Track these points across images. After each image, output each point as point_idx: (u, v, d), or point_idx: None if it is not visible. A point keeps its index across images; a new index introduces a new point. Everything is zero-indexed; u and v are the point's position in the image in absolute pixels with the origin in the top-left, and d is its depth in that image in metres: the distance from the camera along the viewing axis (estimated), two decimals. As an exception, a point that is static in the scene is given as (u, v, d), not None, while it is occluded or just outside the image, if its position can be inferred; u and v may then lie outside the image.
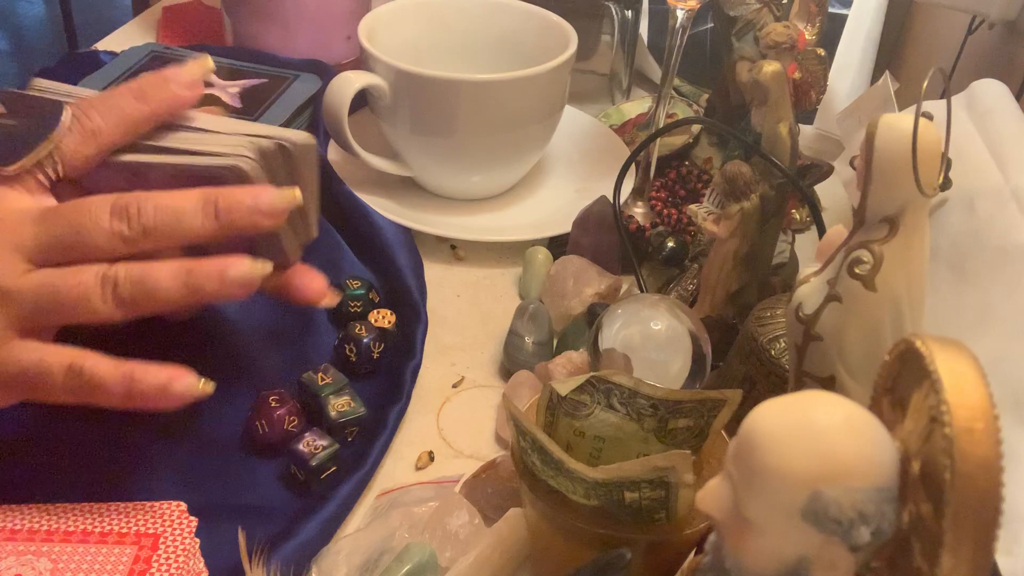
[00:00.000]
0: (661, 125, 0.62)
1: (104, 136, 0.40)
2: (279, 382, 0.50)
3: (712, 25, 0.77)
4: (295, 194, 0.41)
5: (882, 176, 0.32)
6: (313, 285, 0.46)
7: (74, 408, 0.47)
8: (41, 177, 0.40)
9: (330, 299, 0.47)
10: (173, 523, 0.39)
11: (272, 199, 0.40)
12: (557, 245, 0.62)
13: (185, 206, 0.39)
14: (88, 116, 0.40)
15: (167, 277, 0.39)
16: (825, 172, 0.64)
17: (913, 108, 0.32)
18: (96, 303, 0.38)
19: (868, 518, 0.23)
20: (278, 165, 0.43)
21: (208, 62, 0.44)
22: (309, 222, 0.46)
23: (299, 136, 0.44)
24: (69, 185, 0.41)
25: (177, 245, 0.40)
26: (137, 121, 0.41)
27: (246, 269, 0.40)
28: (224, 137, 0.43)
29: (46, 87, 0.44)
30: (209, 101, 0.66)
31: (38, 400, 0.39)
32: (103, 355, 0.38)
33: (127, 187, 0.40)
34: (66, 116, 0.40)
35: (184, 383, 0.38)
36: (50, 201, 0.40)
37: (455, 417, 0.51)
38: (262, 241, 0.43)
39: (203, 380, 0.39)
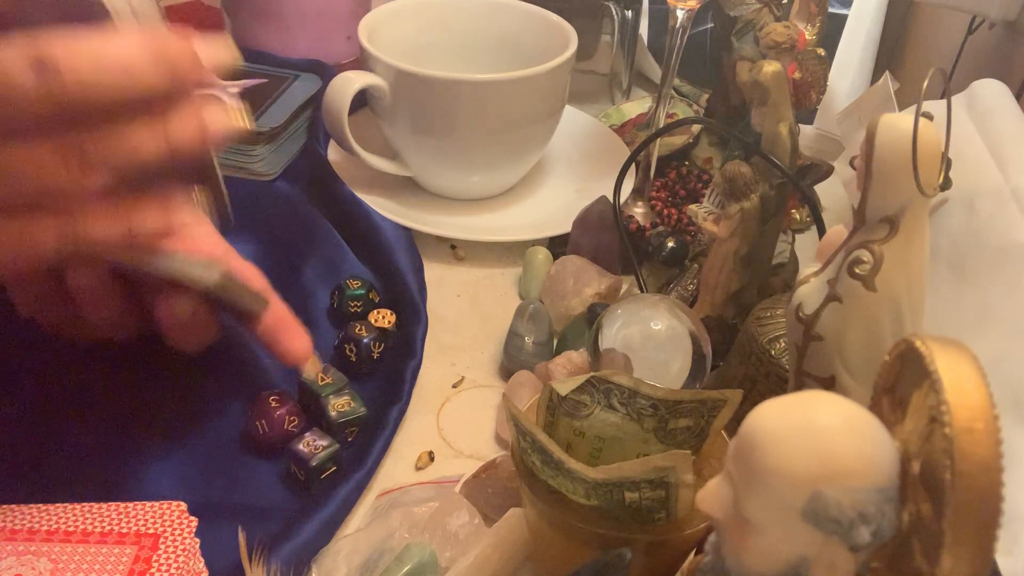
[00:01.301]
0: (661, 125, 0.62)
1: None
2: (279, 382, 0.50)
3: (712, 25, 0.77)
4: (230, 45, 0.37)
5: (882, 176, 0.32)
6: (294, 346, 0.44)
7: (74, 407, 0.47)
8: None
9: (311, 367, 0.46)
10: (173, 523, 0.39)
11: (212, 47, 0.36)
12: (557, 245, 0.62)
13: (131, 53, 0.32)
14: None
15: (142, 132, 0.33)
16: (825, 172, 0.64)
17: (913, 108, 0.32)
18: (60, 172, 0.33)
19: (868, 518, 0.23)
20: None
21: (235, 54, 0.38)
22: (224, 207, 0.46)
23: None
24: None
25: (120, 107, 0.33)
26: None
27: (228, 110, 0.36)
28: None
29: None
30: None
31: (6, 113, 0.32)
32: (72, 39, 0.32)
33: None
34: None
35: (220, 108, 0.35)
36: None
37: (455, 417, 0.51)
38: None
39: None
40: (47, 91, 0.31)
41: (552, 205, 0.67)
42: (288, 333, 0.45)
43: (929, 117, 0.32)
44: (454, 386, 0.53)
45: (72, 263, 0.41)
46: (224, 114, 0.36)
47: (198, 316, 0.44)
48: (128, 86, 0.32)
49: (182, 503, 0.40)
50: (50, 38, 0.31)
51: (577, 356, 0.51)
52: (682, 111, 0.75)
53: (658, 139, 0.62)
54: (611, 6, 0.79)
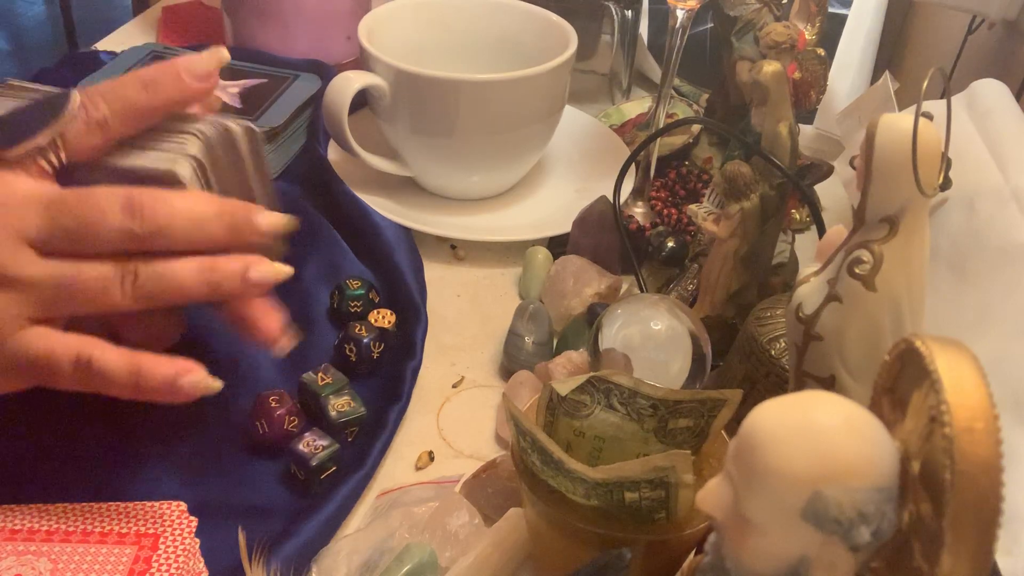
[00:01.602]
0: (661, 125, 0.62)
1: (110, 126, 0.40)
2: (279, 382, 0.50)
3: (712, 25, 0.77)
4: (291, 220, 0.42)
5: (882, 176, 0.32)
6: (268, 323, 0.43)
7: (74, 408, 0.47)
8: (43, 163, 0.39)
9: (287, 342, 0.44)
10: (173, 523, 0.39)
11: (270, 219, 0.41)
12: (557, 245, 0.62)
13: (203, 213, 0.39)
14: (95, 105, 0.40)
15: (188, 273, 0.39)
16: (825, 172, 0.64)
17: (913, 108, 0.32)
18: (115, 294, 0.38)
19: (868, 518, 0.23)
20: (217, 151, 0.42)
21: (223, 53, 0.43)
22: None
23: (238, 126, 0.43)
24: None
25: (186, 250, 0.39)
26: (145, 113, 0.41)
27: (267, 270, 0.40)
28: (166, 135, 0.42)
29: (18, 86, 0.43)
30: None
31: (46, 386, 0.39)
32: (112, 346, 0.38)
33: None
34: (73, 103, 0.39)
35: (191, 378, 0.38)
36: (53, 188, 0.40)
37: (455, 417, 0.51)
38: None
39: (211, 376, 0.39)
40: (128, 228, 0.38)
41: (552, 205, 0.67)
42: (260, 310, 0.43)
43: (929, 117, 0.32)
44: (454, 386, 0.53)
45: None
46: (267, 265, 0.40)
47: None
48: (193, 235, 0.39)
49: (182, 503, 0.41)
50: (140, 189, 0.38)
51: (577, 356, 0.51)
52: (682, 111, 0.75)
53: (658, 139, 0.62)
54: (611, 6, 0.79)
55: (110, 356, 0.38)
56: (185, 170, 0.41)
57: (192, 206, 0.39)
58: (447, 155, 0.64)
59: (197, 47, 0.77)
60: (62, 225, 0.37)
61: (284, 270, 0.41)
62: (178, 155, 0.41)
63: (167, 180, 0.40)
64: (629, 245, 0.59)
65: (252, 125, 0.44)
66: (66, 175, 0.40)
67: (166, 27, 0.87)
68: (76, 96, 0.39)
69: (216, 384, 0.39)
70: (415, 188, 0.67)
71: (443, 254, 0.64)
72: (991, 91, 0.58)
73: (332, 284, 0.57)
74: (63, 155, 0.40)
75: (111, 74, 0.70)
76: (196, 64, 0.42)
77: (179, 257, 0.39)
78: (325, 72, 0.72)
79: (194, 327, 0.51)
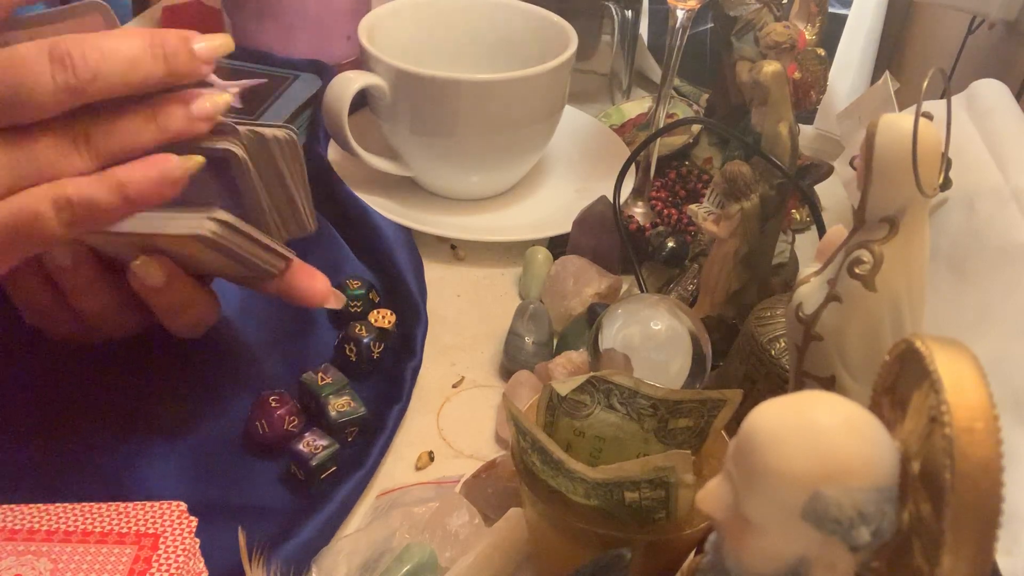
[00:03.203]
0: (661, 125, 0.62)
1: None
2: (279, 382, 0.50)
3: (712, 25, 0.77)
4: (227, 40, 0.40)
5: (882, 176, 0.32)
6: (316, 286, 0.46)
7: (74, 407, 0.47)
8: None
9: (335, 300, 0.47)
10: (173, 523, 0.39)
11: (209, 43, 0.40)
12: (557, 245, 0.62)
13: (133, 48, 0.37)
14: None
15: (137, 120, 0.38)
16: (825, 172, 0.64)
17: (913, 108, 0.32)
18: (74, 159, 0.37)
19: (868, 518, 0.23)
20: (255, 153, 0.42)
21: (230, 43, 0.41)
22: (301, 217, 0.46)
23: (278, 130, 0.43)
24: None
25: (125, 92, 0.37)
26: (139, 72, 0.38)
27: (210, 101, 0.39)
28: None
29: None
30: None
31: (44, 250, 0.38)
32: (80, 177, 0.37)
33: None
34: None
35: (171, 164, 0.38)
36: None
37: (455, 417, 0.51)
38: (247, 253, 0.43)
39: (189, 157, 0.38)
40: (63, 80, 0.35)
41: (552, 205, 0.67)
42: (305, 274, 0.46)
43: (929, 117, 0.32)
44: (454, 386, 0.53)
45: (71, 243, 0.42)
46: (208, 97, 0.39)
47: (175, 283, 0.44)
48: (131, 75, 0.37)
49: (182, 503, 0.40)
50: (63, 38, 0.36)
51: (577, 356, 0.51)
52: (682, 111, 0.75)
53: (658, 139, 0.62)
54: (611, 6, 0.79)
55: (84, 184, 0.37)
56: (240, 150, 0.40)
57: (121, 43, 0.37)
58: (447, 155, 0.64)
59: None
60: None
61: (224, 97, 0.39)
62: (203, 218, 0.41)
63: (230, 159, 0.40)
64: (629, 245, 0.59)
65: (290, 131, 0.43)
66: None
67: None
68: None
69: (198, 159, 0.39)
70: (415, 188, 0.67)
71: (443, 254, 0.64)
72: (991, 91, 0.58)
73: (332, 284, 0.57)
74: None
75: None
76: (207, 46, 0.40)
77: (124, 110, 0.38)
78: (325, 72, 0.72)
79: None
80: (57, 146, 0.36)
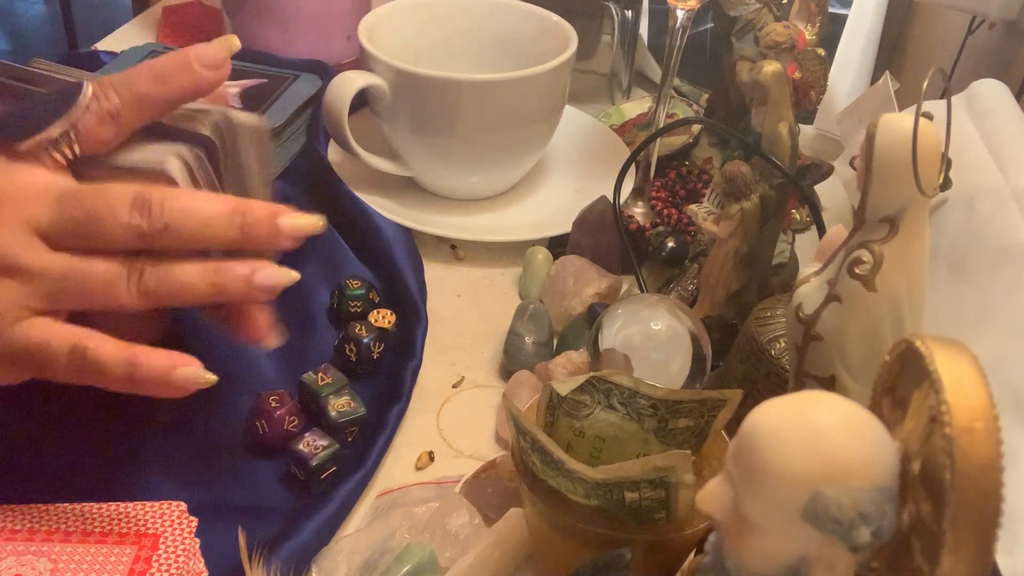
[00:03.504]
0: (661, 125, 0.62)
1: (122, 117, 0.39)
2: (279, 382, 0.50)
3: (712, 25, 0.77)
4: (318, 221, 0.40)
5: (882, 176, 0.32)
6: (258, 321, 0.43)
7: (74, 408, 0.47)
8: (57, 155, 0.39)
9: (272, 341, 0.44)
10: (173, 523, 0.39)
11: (295, 223, 0.40)
12: (557, 245, 0.62)
13: (212, 212, 0.38)
14: (107, 96, 0.39)
15: (194, 274, 0.38)
16: (825, 172, 0.64)
17: (913, 108, 0.32)
18: (120, 291, 0.37)
19: (868, 518, 0.23)
20: (225, 140, 0.42)
21: (234, 41, 0.42)
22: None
23: (247, 118, 0.42)
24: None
25: (196, 248, 0.39)
26: (157, 103, 0.40)
27: (274, 274, 0.39)
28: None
29: (45, 67, 0.43)
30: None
31: (44, 378, 0.38)
32: (108, 337, 0.38)
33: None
34: (85, 95, 0.39)
35: (186, 372, 0.38)
36: (67, 180, 0.39)
37: (455, 417, 0.51)
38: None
39: (207, 371, 0.39)
40: (137, 224, 0.37)
41: (552, 205, 0.67)
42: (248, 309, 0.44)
43: (929, 117, 0.32)
44: (454, 386, 0.53)
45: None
46: (274, 270, 0.40)
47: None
48: (203, 234, 0.38)
49: (182, 503, 0.41)
50: (152, 187, 0.38)
51: (577, 356, 0.51)
52: (682, 111, 0.75)
53: (658, 139, 0.62)
54: (611, 6, 0.79)
55: (106, 347, 0.38)
56: (176, 167, 0.40)
57: (203, 204, 0.38)
58: (447, 155, 0.64)
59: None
60: (73, 218, 0.37)
61: (291, 274, 0.40)
62: (169, 153, 0.40)
63: (158, 178, 0.40)
64: (629, 245, 0.59)
65: (260, 120, 0.43)
66: (78, 168, 0.40)
67: (166, 27, 0.87)
68: (88, 87, 0.39)
69: (211, 377, 0.39)
70: (415, 188, 0.67)
71: (443, 254, 0.64)
72: (991, 91, 0.58)
73: (332, 284, 0.57)
74: (76, 147, 0.39)
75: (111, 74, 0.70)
76: (207, 52, 0.41)
77: (187, 258, 0.39)
78: (325, 72, 0.72)
79: (193, 325, 0.51)
80: (109, 274, 0.37)
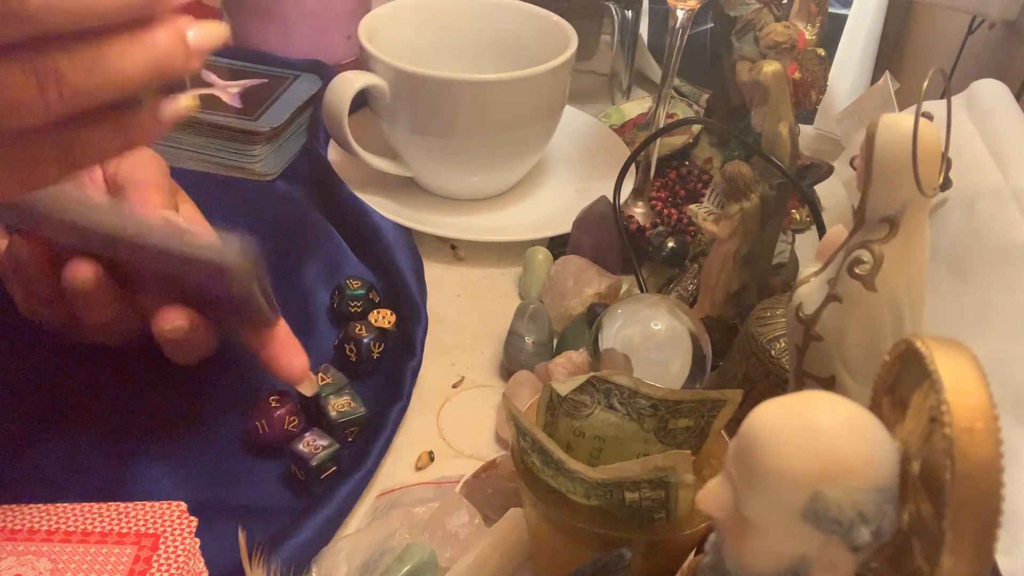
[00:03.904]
0: (661, 125, 0.62)
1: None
2: (279, 382, 0.50)
3: (712, 25, 0.77)
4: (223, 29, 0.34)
5: (882, 176, 0.33)
6: (295, 363, 0.44)
7: (74, 408, 0.47)
8: None
9: (308, 386, 0.46)
10: (173, 523, 0.39)
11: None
12: (557, 245, 0.62)
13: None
14: None
15: (123, 53, 0.30)
16: (825, 172, 0.64)
17: (913, 108, 0.32)
18: (34, 99, 0.30)
19: (868, 518, 0.23)
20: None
21: (225, 32, 0.34)
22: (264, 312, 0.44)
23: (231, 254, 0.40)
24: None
25: (90, 25, 0.30)
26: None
27: (207, 31, 0.32)
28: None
29: None
30: (209, 101, 0.66)
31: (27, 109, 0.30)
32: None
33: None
34: None
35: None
36: None
37: (455, 417, 0.51)
38: (239, 301, 0.42)
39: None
40: (6, 8, 0.28)
41: (552, 205, 0.67)
42: (288, 350, 0.45)
43: (929, 117, 0.32)
44: (454, 386, 0.53)
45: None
46: (203, 26, 0.32)
47: (195, 329, 0.44)
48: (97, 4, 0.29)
49: (182, 503, 0.41)
50: None
51: (577, 356, 0.51)
52: (682, 111, 0.75)
53: (658, 139, 0.62)
54: (611, 6, 0.79)
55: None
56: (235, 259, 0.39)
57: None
58: (447, 155, 0.64)
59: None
60: None
61: (222, 29, 0.33)
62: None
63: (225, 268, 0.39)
64: (629, 245, 0.59)
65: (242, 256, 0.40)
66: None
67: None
68: None
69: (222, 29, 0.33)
70: (415, 188, 0.67)
71: (443, 254, 0.64)
72: (991, 91, 0.58)
73: (332, 284, 0.57)
74: None
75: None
76: (201, 36, 0.33)
77: (103, 38, 0.30)
78: (325, 72, 0.72)
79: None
80: (8, 86, 0.29)
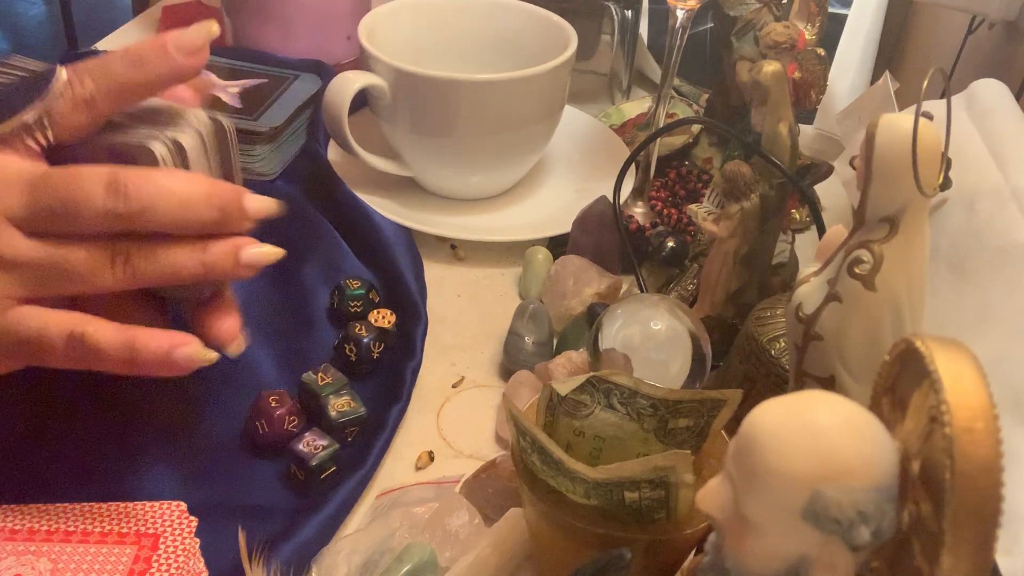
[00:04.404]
0: (661, 125, 0.62)
1: (97, 103, 0.38)
2: (279, 382, 0.50)
3: (712, 25, 0.77)
4: (274, 205, 0.41)
5: (882, 176, 0.33)
6: (224, 326, 0.43)
7: (74, 408, 0.47)
8: (30, 142, 0.38)
9: (235, 348, 0.43)
10: (173, 523, 0.39)
11: (258, 205, 0.40)
12: (557, 245, 0.62)
13: (189, 191, 0.38)
14: (81, 82, 0.38)
15: (183, 252, 0.38)
16: (825, 172, 0.64)
17: (913, 108, 0.32)
18: (106, 275, 0.37)
19: (868, 518, 0.23)
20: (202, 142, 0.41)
21: (213, 27, 0.42)
22: None
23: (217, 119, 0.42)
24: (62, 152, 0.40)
25: (171, 232, 0.38)
26: (133, 89, 0.39)
27: (260, 251, 0.39)
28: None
29: (21, 62, 0.42)
30: (209, 102, 0.66)
31: (41, 365, 0.38)
32: (106, 321, 0.38)
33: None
34: (59, 81, 0.38)
35: (186, 351, 0.38)
36: (40, 166, 0.39)
37: (455, 417, 0.51)
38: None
39: (207, 348, 0.38)
40: (113, 206, 0.36)
41: (552, 205, 0.67)
42: (218, 310, 0.43)
43: (929, 117, 0.32)
44: (454, 386, 0.53)
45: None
46: (259, 246, 0.40)
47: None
48: (182, 216, 0.37)
49: (182, 503, 0.41)
50: (125, 168, 0.37)
51: (577, 356, 0.51)
52: (682, 111, 0.75)
53: (658, 139, 0.62)
54: (611, 6, 0.79)
55: (104, 331, 0.37)
56: (160, 148, 0.39)
57: (179, 185, 0.38)
58: (447, 155, 0.64)
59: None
60: (46, 204, 0.36)
61: (276, 251, 0.40)
62: (156, 136, 0.40)
63: (143, 156, 0.39)
64: (629, 245, 0.59)
65: (224, 121, 0.42)
66: (54, 155, 0.39)
67: (166, 27, 0.87)
68: (62, 72, 0.38)
69: (212, 355, 0.39)
70: (415, 188, 0.67)
71: (443, 254, 0.64)
72: (991, 91, 0.58)
73: (332, 284, 0.57)
74: (50, 134, 0.38)
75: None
76: (184, 38, 0.40)
77: (172, 239, 0.38)
78: (325, 72, 0.72)
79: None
80: (92, 258, 0.37)
